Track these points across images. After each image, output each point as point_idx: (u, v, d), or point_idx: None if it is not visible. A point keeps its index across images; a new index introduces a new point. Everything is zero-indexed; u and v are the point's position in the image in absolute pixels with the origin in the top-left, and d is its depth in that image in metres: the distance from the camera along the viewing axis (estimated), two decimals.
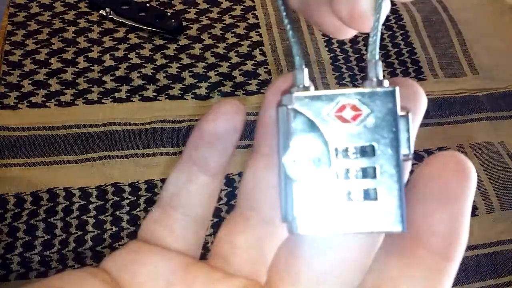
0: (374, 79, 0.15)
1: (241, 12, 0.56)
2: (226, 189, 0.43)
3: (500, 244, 0.41)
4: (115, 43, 0.51)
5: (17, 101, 0.46)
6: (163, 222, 0.18)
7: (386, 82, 0.15)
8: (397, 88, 0.14)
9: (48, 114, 0.45)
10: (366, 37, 0.55)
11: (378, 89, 0.14)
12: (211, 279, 0.17)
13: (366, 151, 0.14)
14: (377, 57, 0.15)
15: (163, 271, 0.17)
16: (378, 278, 0.15)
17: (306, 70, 0.15)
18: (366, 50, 0.54)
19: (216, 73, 0.50)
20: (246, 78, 0.50)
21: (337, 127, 0.14)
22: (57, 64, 0.49)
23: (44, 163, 0.42)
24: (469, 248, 0.41)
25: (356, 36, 0.55)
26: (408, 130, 0.14)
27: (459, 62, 0.54)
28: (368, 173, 0.14)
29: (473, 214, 0.43)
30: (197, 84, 0.49)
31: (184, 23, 0.54)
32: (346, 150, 0.14)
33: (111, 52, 0.50)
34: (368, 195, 0.14)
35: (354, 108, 0.14)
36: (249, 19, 0.55)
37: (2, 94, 0.46)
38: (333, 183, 0.14)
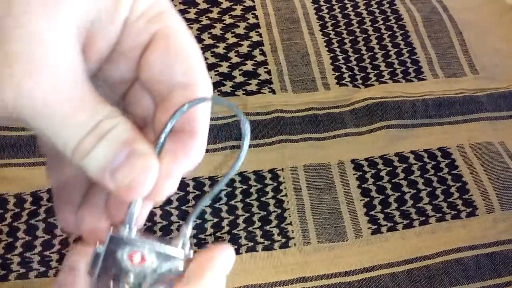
0: (181, 243, 0.19)
1: (241, 12, 0.56)
2: (226, 189, 0.43)
3: (500, 244, 0.41)
4: None
5: None
6: None
7: (185, 253, 0.19)
8: (181, 264, 0.18)
9: None
10: (366, 37, 0.55)
11: (170, 254, 0.18)
12: None
13: None
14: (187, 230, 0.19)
15: None
16: None
17: (134, 229, 0.19)
18: (366, 50, 0.54)
19: (216, 73, 0.50)
20: (246, 78, 0.50)
21: (129, 265, 0.18)
22: None
23: (44, 163, 0.42)
24: (469, 248, 0.41)
25: (356, 36, 0.55)
26: None
27: (459, 62, 0.54)
28: None
29: (473, 214, 0.43)
30: None
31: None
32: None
33: None
34: None
35: (143, 257, 0.18)
36: (249, 19, 0.55)
37: None
38: None
